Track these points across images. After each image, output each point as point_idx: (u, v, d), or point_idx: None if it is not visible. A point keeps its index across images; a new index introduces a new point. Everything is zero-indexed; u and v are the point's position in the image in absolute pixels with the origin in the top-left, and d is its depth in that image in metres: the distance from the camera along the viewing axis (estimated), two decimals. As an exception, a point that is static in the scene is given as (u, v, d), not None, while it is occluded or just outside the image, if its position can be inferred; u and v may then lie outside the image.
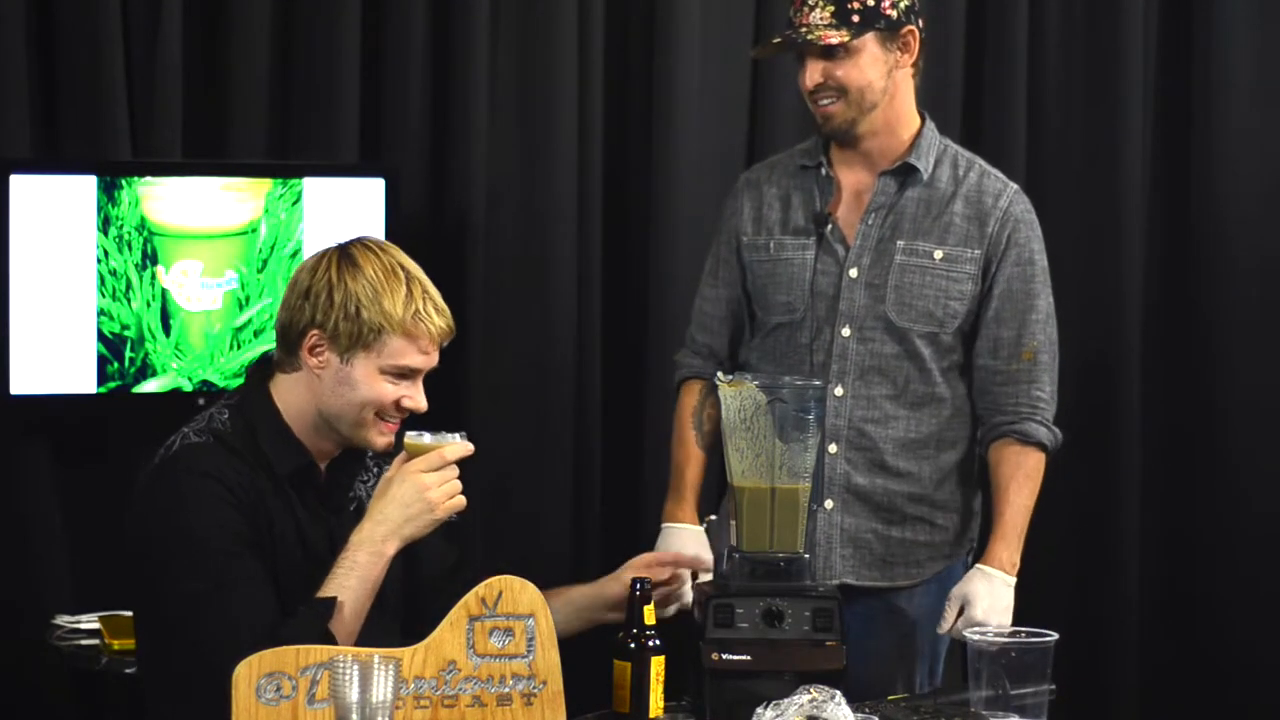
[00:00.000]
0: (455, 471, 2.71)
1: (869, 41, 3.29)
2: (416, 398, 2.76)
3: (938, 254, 3.35)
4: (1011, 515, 3.28)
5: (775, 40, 3.40)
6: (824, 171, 3.41)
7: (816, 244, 3.38)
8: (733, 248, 3.48)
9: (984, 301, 3.36)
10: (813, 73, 3.31)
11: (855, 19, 3.28)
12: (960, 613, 3.18)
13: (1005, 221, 3.37)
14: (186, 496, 2.66)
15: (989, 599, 3.20)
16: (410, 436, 2.73)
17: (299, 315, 2.73)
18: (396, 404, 2.74)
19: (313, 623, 2.61)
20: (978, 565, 3.25)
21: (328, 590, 2.64)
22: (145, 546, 2.69)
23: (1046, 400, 3.36)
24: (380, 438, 2.76)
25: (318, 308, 2.71)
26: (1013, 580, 3.25)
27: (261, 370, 2.81)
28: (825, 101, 3.32)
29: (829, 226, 3.37)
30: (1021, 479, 3.31)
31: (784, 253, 3.41)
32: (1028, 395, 3.35)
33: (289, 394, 2.76)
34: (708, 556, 3.29)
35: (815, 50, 3.30)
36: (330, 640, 2.60)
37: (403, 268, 2.75)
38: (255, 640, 2.54)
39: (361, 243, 2.77)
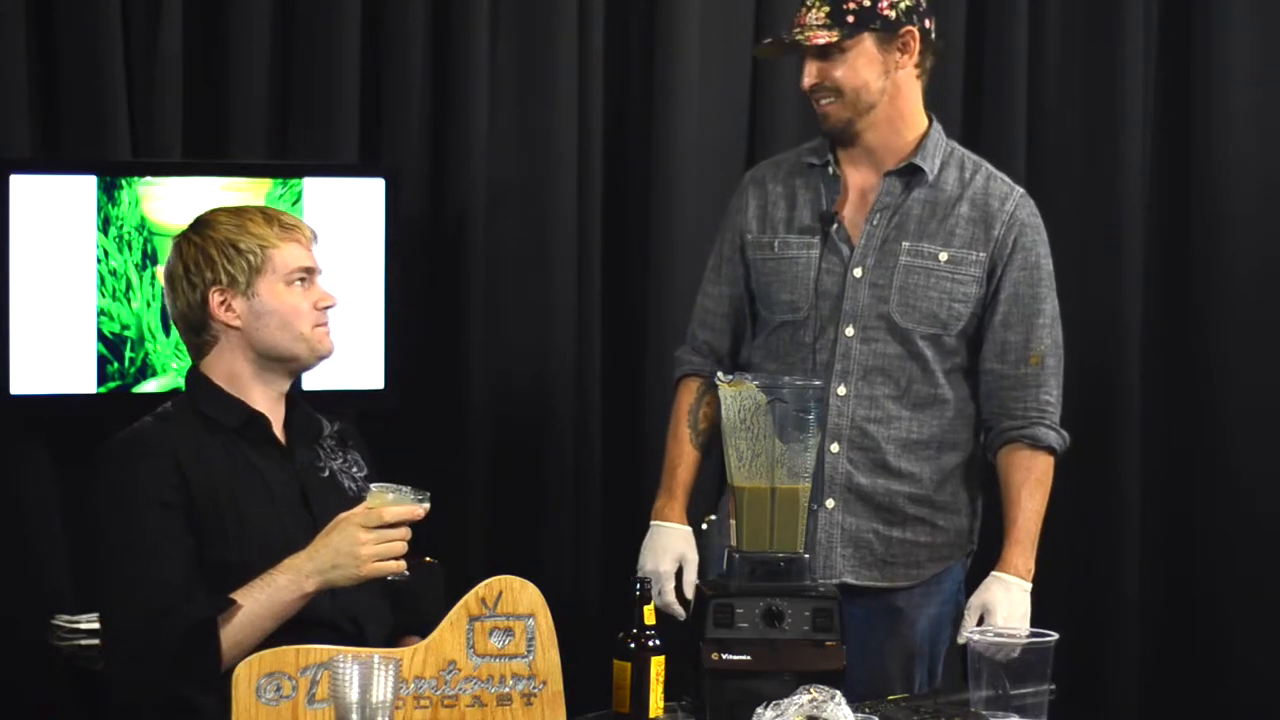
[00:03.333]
0: (398, 534, 2.75)
1: (864, 42, 3.31)
2: (327, 294, 2.95)
3: (943, 256, 3.35)
4: (1025, 521, 3.29)
5: (768, 41, 3.46)
6: (831, 170, 3.41)
7: (822, 243, 3.38)
8: (736, 246, 3.47)
9: (990, 306, 3.36)
10: (809, 72, 3.34)
11: (850, 19, 3.29)
12: (980, 621, 3.18)
13: (1011, 225, 3.37)
14: (108, 471, 2.82)
15: (1008, 606, 3.20)
16: (375, 487, 2.78)
17: (192, 293, 2.90)
18: (314, 307, 2.92)
19: (203, 608, 2.71)
20: (994, 573, 3.25)
21: (240, 594, 2.73)
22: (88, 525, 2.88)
23: (1054, 404, 3.36)
24: (323, 343, 2.93)
25: (203, 273, 2.89)
26: (1029, 586, 3.25)
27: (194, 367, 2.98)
28: (824, 101, 3.34)
29: (834, 225, 3.38)
30: (1033, 484, 3.32)
31: (789, 251, 3.40)
32: (1036, 400, 3.35)
33: (217, 364, 2.93)
34: (693, 556, 3.32)
35: (811, 50, 3.32)
36: (210, 630, 2.68)
37: (247, 205, 3.01)
38: (150, 601, 2.69)
39: (199, 216, 2.98)
